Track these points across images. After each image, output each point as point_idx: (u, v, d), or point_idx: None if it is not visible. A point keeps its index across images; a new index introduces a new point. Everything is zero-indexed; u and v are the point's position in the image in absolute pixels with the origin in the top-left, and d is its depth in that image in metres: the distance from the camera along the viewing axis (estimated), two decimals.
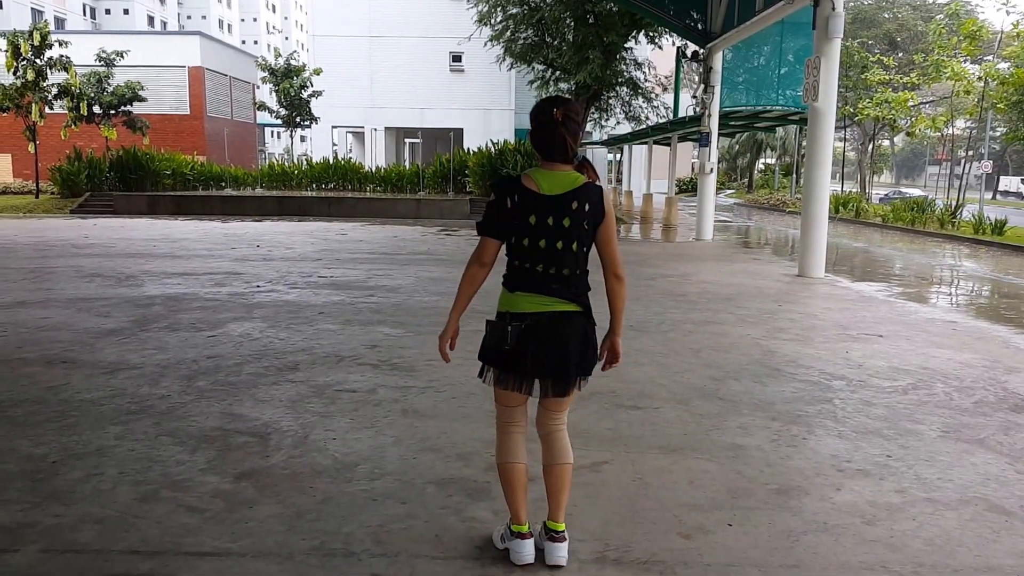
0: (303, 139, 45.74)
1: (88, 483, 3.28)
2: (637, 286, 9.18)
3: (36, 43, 23.27)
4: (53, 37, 23.95)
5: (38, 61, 23.64)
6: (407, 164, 32.25)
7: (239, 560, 2.67)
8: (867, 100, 29.74)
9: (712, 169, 16.27)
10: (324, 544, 2.78)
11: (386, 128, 38.39)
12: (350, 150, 41.83)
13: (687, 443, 3.86)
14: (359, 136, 41.28)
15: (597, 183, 2.60)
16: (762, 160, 53.89)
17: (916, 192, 37.48)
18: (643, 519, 3.01)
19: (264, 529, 2.88)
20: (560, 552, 2.63)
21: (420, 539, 2.82)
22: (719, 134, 17.44)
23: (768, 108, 18.44)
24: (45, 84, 24.13)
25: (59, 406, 4.30)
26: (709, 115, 15.76)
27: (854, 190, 35.48)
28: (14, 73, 23.65)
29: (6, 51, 23.30)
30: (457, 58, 36.41)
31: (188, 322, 6.64)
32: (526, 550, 2.66)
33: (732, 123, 21.14)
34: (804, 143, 41.62)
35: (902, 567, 2.71)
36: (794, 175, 38.25)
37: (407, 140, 41.51)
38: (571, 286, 2.62)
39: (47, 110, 24.54)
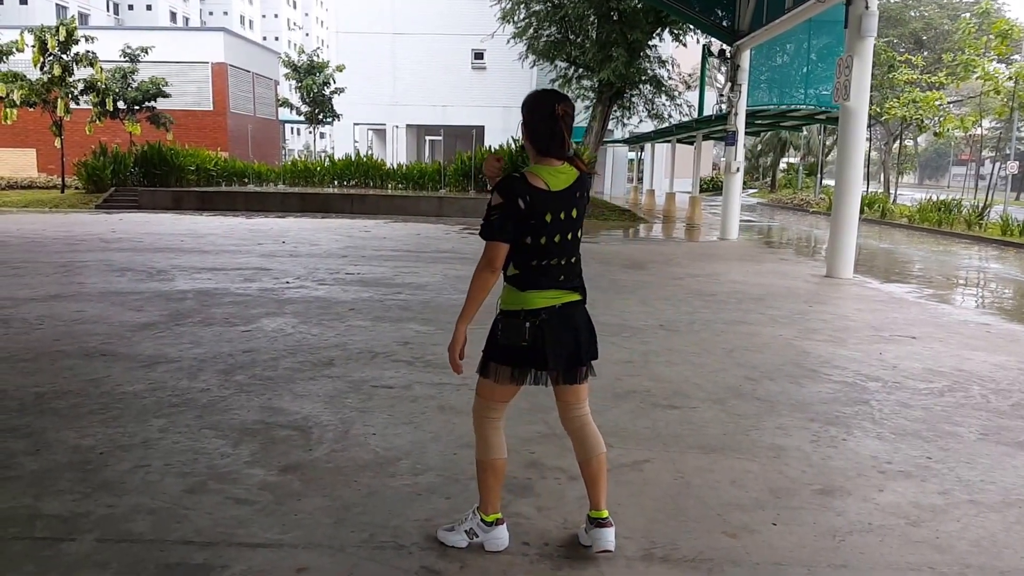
0: (322, 136, 45.96)
1: (136, 474, 3.34)
2: (665, 285, 9.17)
3: (63, 39, 23.52)
4: (79, 33, 24.20)
5: (64, 57, 23.91)
6: (428, 161, 32.34)
7: (291, 551, 2.70)
8: (894, 99, 29.43)
9: (739, 168, 16.18)
10: (373, 537, 2.81)
11: (407, 125, 38.50)
12: (371, 147, 42.00)
13: (727, 443, 3.85)
14: (380, 133, 41.44)
15: (590, 172, 2.67)
16: (785, 159, 53.48)
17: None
18: (687, 517, 3.02)
19: (313, 521, 2.92)
20: (610, 537, 2.66)
21: None
22: (744, 133, 17.33)
23: (795, 107, 18.29)
24: (71, 79, 24.41)
25: (101, 398, 4.37)
26: (736, 114, 15.66)
27: (878, 190, 35.13)
28: (41, 68, 23.94)
29: (33, 47, 23.57)
30: (479, 55, 36.45)
31: (221, 317, 6.71)
32: (506, 535, 2.76)
33: (758, 122, 21.00)
34: (829, 142, 41.20)
35: (949, 568, 2.70)
36: (819, 175, 37.92)
37: (428, 137, 41.62)
38: (575, 274, 2.69)
39: (72, 105, 24.82)
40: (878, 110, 30.34)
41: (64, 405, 4.24)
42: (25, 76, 24.65)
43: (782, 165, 53.74)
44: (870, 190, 33.21)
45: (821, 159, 39.48)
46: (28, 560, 2.62)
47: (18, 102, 23.87)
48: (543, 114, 2.55)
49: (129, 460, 3.49)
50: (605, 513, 2.70)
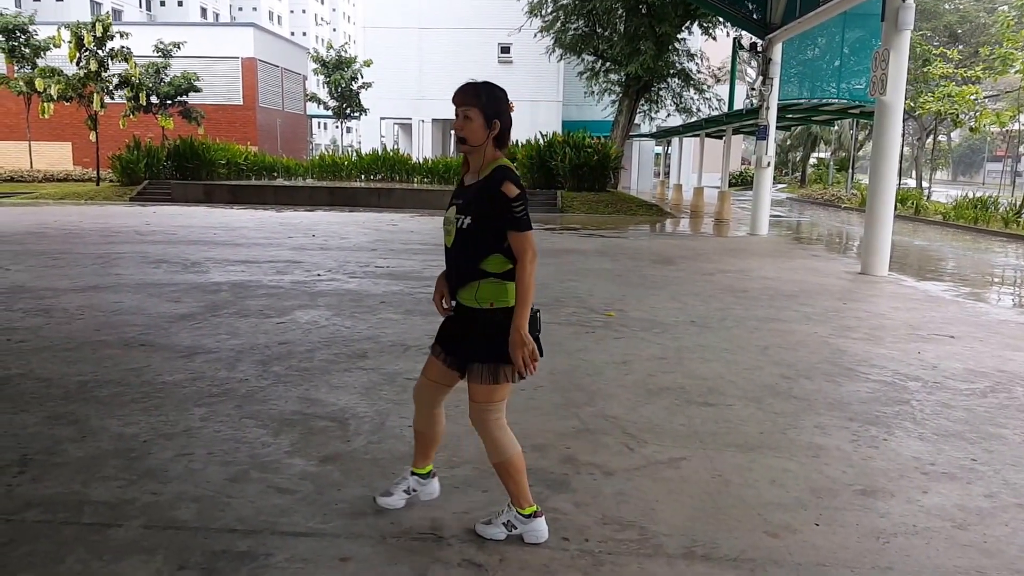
0: (349, 130, 46.26)
1: (179, 463, 3.39)
2: (695, 281, 9.10)
3: (99, 34, 23.90)
4: (114, 28, 24.57)
5: (100, 52, 24.29)
6: (453, 155, 32.38)
7: (333, 541, 2.73)
8: (928, 94, 28.92)
9: (770, 163, 16.00)
10: (413, 528, 2.83)
11: (433, 119, 38.57)
12: (396, 141, 42.16)
13: (764, 441, 3.82)
14: (406, 127, 41.55)
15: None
16: (815, 154, 52.85)
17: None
18: (727, 516, 3.00)
19: (354, 511, 2.95)
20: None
21: None
22: (775, 127, 17.13)
23: (827, 101, 18.03)
24: (106, 75, 24.79)
25: (142, 387, 4.44)
26: (767, 108, 15.47)
27: (909, 185, 34.57)
28: (77, 64, 24.35)
29: (70, 42, 23.97)
30: (506, 49, 36.38)
31: (256, 309, 6.78)
32: (545, 526, 2.77)
33: (789, 116, 20.72)
34: (861, 137, 40.58)
35: (998, 573, 2.65)
36: (850, 170, 37.39)
37: (453, 131, 41.66)
38: None
39: (107, 100, 25.21)
40: (912, 105, 29.85)
41: (107, 393, 4.32)
42: (62, 71, 25.12)
43: (812, 160, 53.13)
44: (903, 186, 32.71)
45: (853, 154, 38.91)
46: (78, 545, 2.67)
47: (55, 97, 24.33)
48: (508, 109, 2.62)
49: (172, 448, 3.54)
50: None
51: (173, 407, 4.10)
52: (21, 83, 26.22)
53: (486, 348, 2.59)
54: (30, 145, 31.41)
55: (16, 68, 28.13)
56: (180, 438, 3.67)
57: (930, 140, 38.35)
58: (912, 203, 24.95)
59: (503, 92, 2.63)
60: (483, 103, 2.56)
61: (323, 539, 2.74)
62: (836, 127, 42.62)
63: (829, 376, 5.05)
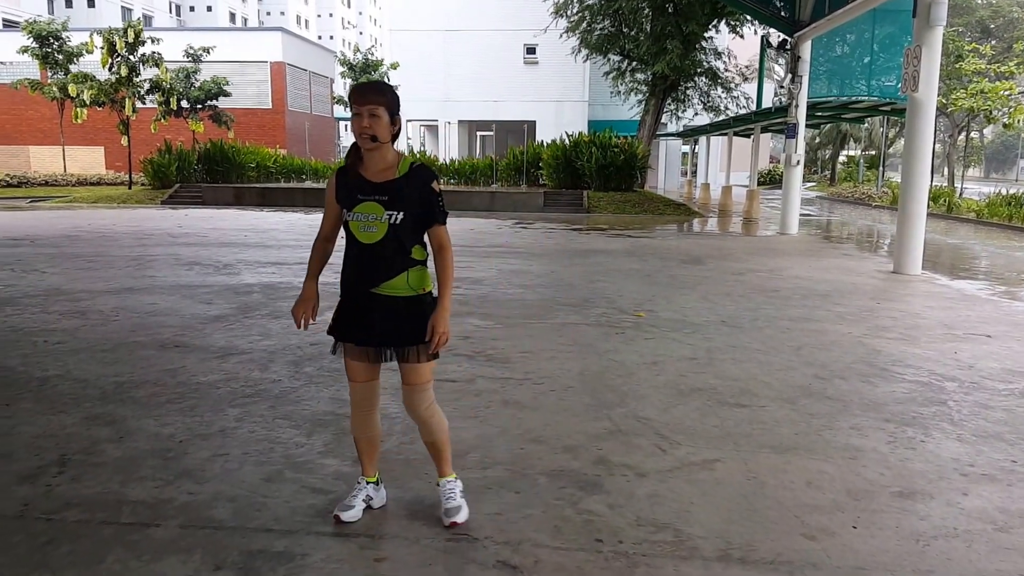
0: None
1: (215, 463, 3.43)
2: (725, 281, 9.02)
3: (130, 40, 24.31)
4: (145, 34, 24.98)
5: (131, 58, 24.70)
6: (479, 157, 32.47)
7: (368, 541, 2.75)
8: (960, 90, 28.42)
9: (799, 161, 15.82)
10: (447, 529, 2.83)
11: (459, 121, 38.67)
12: (423, 143, 42.35)
13: (799, 443, 3.77)
14: (432, 129, 41.73)
15: None
16: (844, 152, 52.16)
17: None
18: (763, 519, 2.96)
19: (388, 513, 2.96)
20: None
21: (540, 529, 2.85)
22: (804, 125, 16.92)
23: (857, 99, 17.77)
24: (137, 80, 25.21)
25: (178, 388, 4.51)
26: (796, 106, 15.31)
27: (943, 184, 33.97)
28: (109, 69, 24.78)
29: (102, 48, 24.41)
30: (531, 50, 36.36)
31: (287, 310, 6.84)
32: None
33: (819, 114, 20.47)
34: (892, 134, 39.85)
35: None
36: (880, 168, 36.82)
37: (479, 133, 41.75)
38: None
39: (138, 104, 25.65)
40: (943, 101, 29.36)
41: (143, 394, 4.39)
42: (94, 77, 25.58)
43: (842, 158, 52.45)
44: (934, 184, 32.14)
45: (883, 151, 38.32)
46: (117, 544, 2.70)
47: (88, 102, 24.78)
48: None
49: (208, 448, 3.59)
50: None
51: (208, 407, 4.16)
52: (55, 89, 26.77)
53: (419, 329, 2.74)
54: (64, 150, 32.04)
55: (50, 74, 28.72)
56: (216, 438, 3.72)
57: (962, 137, 37.68)
58: (944, 201, 24.51)
59: (393, 89, 2.76)
60: (388, 100, 2.65)
61: (357, 540, 2.76)
62: (866, 124, 42.02)
63: (864, 377, 4.98)
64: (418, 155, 28.31)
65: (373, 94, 2.64)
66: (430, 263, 2.78)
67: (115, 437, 3.72)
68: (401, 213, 2.66)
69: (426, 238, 2.79)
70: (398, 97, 2.70)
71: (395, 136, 2.71)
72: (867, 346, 5.83)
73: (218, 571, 2.54)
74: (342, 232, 2.82)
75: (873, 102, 17.89)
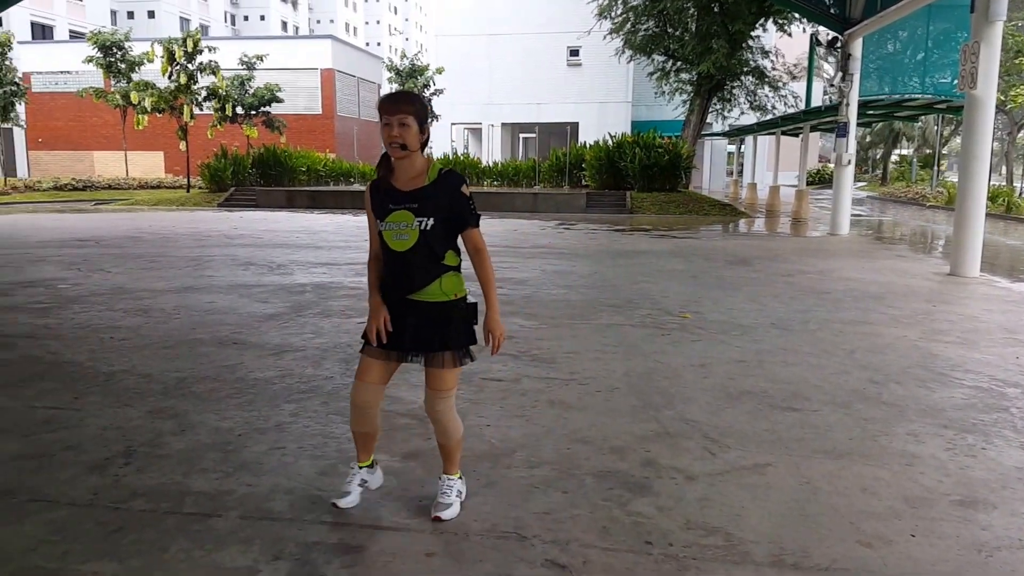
0: None
1: (272, 456, 3.52)
2: (774, 283, 8.89)
3: (189, 49, 25.02)
4: (203, 43, 25.70)
5: (190, 66, 25.43)
6: (522, 159, 32.55)
7: (419, 536, 2.79)
8: (1020, 87, 27.49)
9: (850, 160, 15.50)
10: (496, 527, 2.86)
11: (502, 124, 38.82)
12: (467, 146, 42.63)
13: (854, 448, 3.71)
14: (476, 132, 41.97)
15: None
16: (896, 151, 50.87)
17: None
18: (817, 524, 2.92)
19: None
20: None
21: (588, 529, 2.86)
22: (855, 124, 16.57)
23: (911, 96, 17.33)
24: (195, 87, 25.93)
25: (236, 384, 4.64)
26: (847, 104, 15.01)
27: (1001, 184, 32.87)
28: (168, 77, 25.54)
29: (162, 57, 25.18)
30: (575, 52, 36.32)
31: (338, 309, 6.98)
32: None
33: (870, 112, 20.01)
34: (947, 133, 38.71)
35: None
36: (935, 167, 35.82)
37: (522, 135, 41.88)
38: None
39: (196, 111, 26.38)
40: (1002, 98, 28.41)
41: (203, 389, 4.53)
42: (155, 85, 26.39)
43: (894, 157, 51.16)
44: (992, 183, 31.12)
45: (938, 150, 37.27)
46: (180, 534, 2.79)
47: (149, 109, 25.58)
48: None
49: (265, 442, 3.69)
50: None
51: (265, 403, 4.27)
52: (118, 96, 27.70)
53: (455, 335, 2.79)
54: (126, 155, 33.13)
55: (113, 83, 29.72)
56: (272, 432, 3.82)
57: (1022, 135, 36.39)
58: (1003, 201, 23.71)
59: (422, 99, 2.82)
60: (417, 110, 2.69)
61: (408, 534, 2.81)
62: (920, 123, 40.92)
63: (921, 381, 4.87)
64: (462, 157, 28.52)
65: (403, 103, 2.68)
66: (465, 267, 2.82)
67: (177, 430, 3.85)
68: (431, 219, 2.70)
69: (460, 243, 2.83)
70: (426, 106, 2.74)
71: (424, 144, 2.76)
72: (923, 350, 5.70)
73: (276, 561, 2.60)
74: None
75: (927, 100, 17.43)
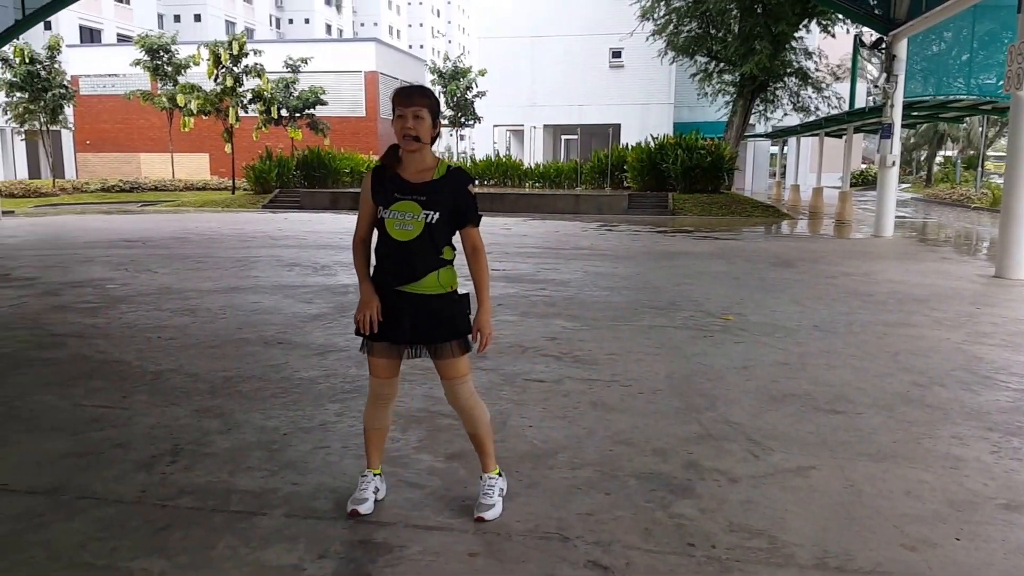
0: (462, 137, 47.41)
1: (317, 455, 3.60)
2: (817, 285, 8.78)
3: (234, 52, 25.54)
4: (248, 46, 26.20)
5: (235, 69, 25.95)
6: (564, 160, 32.53)
7: (462, 536, 2.83)
8: None
9: (894, 162, 15.21)
10: (539, 527, 2.89)
11: (544, 125, 38.85)
12: (508, 147, 42.74)
13: (898, 451, 3.66)
14: (517, 134, 42.07)
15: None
16: (941, 152, 49.61)
17: None
18: (861, 527, 2.90)
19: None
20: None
21: (630, 531, 2.87)
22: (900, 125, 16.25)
23: (956, 98, 16.95)
24: (241, 90, 26.45)
25: (281, 383, 4.74)
26: (891, 105, 14.75)
27: None
28: (214, 80, 26.10)
29: (208, 60, 25.74)
30: (617, 54, 36.20)
31: None
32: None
33: (915, 114, 19.61)
34: (992, 134, 37.58)
35: None
36: (979, 168, 34.89)
37: (564, 137, 41.86)
38: None
39: (241, 113, 26.91)
40: None
41: (249, 388, 4.64)
42: (200, 87, 26.98)
43: (938, 158, 49.91)
44: None
45: (983, 152, 36.27)
46: (227, 532, 2.85)
47: (195, 111, 26.16)
48: None
49: (310, 441, 3.77)
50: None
51: (309, 402, 4.36)
52: (164, 99, 28.39)
53: (452, 325, 2.86)
54: (172, 157, 33.90)
55: (160, 85, 30.47)
56: (317, 432, 3.90)
57: None
58: None
59: (433, 93, 2.86)
60: (430, 104, 2.74)
61: (452, 534, 2.85)
62: (965, 124, 39.90)
63: (965, 384, 4.77)
64: (503, 159, 28.63)
65: (418, 96, 2.74)
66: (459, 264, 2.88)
67: (224, 429, 3.95)
68: (437, 213, 2.76)
69: (456, 241, 2.88)
70: (439, 101, 2.80)
71: (434, 139, 2.82)
72: (968, 353, 5.58)
73: (322, 560, 2.65)
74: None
75: (972, 101, 17.05)
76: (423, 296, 2.82)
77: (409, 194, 2.77)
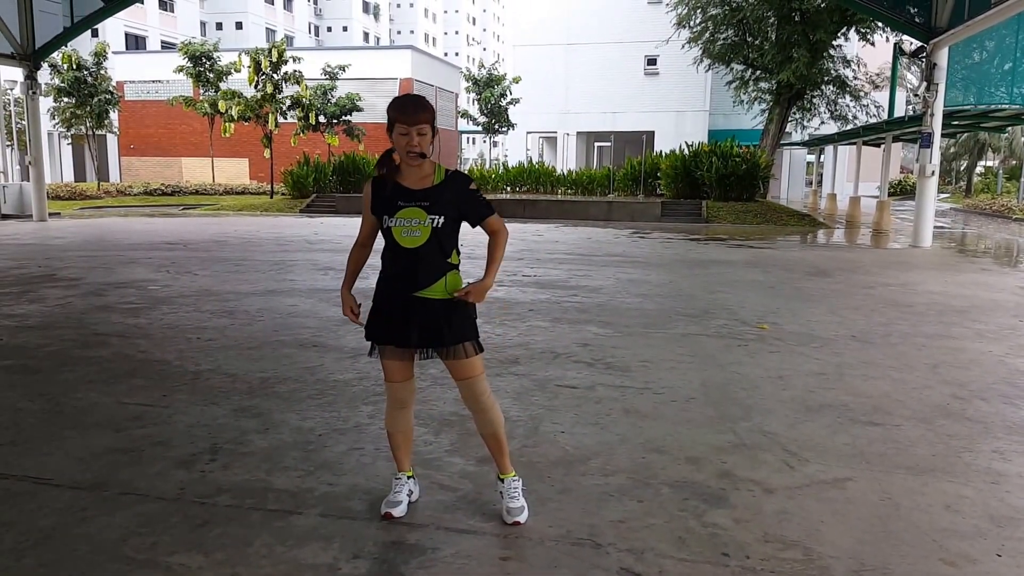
0: (496, 144, 47.62)
1: (351, 456, 3.64)
2: (854, 295, 8.65)
3: (274, 60, 25.96)
4: (287, 54, 26.61)
5: (275, 76, 26.37)
6: (597, 167, 32.45)
7: (494, 540, 2.85)
8: None
9: (934, 172, 14.93)
10: (571, 533, 2.89)
11: (578, 132, 38.84)
12: (541, 154, 42.78)
13: (937, 465, 3.59)
14: (551, 140, 42.10)
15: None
16: (982, 162, 48.51)
17: None
18: (898, 541, 2.85)
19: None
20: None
21: (663, 539, 2.86)
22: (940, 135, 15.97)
23: (998, 107, 16.60)
24: (280, 96, 26.87)
25: (316, 385, 4.80)
26: (931, 114, 14.48)
27: None
28: (255, 87, 26.54)
29: (249, 67, 26.19)
30: (652, 61, 36.10)
31: None
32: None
33: (955, 123, 19.24)
34: None
35: None
36: (1022, 179, 34.03)
37: (597, 144, 41.76)
38: None
39: (280, 119, 27.33)
40: None
41: (285, 390, 4.71)
42: (241, 94, 27.46)
43: (979, 168, 48.82)
44: None
45: None
46: (264, 530, 2.90)
47: (235, 117, 26.62)
48: None
49: (344, 442, 3.82)
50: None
51: (344, 404, 4.42)
52: (206, 105, 28.94)
53: (462, 327, 2.89)
54: (212, 161, 34.52)
55: (201, 91, 31.08)
56: (351, 433, 3.95)
57: None
58: None
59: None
60: (430, 117, 2.78)
61: (484, 537, 2.87)
62: (1007, 134, 38.99)
63: (1007, 398, 4.67)
64: (536, 166, 28.68)
65: (421, 112, 2.76)
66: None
67: (261, 428, 4.02)
68: (442, 217, 2.80)
69: (462, 245, 2.94)
70: (435, 110, 2.83)
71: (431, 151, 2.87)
72: (1010, 366, 5.46)
73: (356, 560, 2.69)
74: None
75: (1015, 110, 16.68)
76: (431, 301, 2.85)
77: (413, 201, 2.81)
